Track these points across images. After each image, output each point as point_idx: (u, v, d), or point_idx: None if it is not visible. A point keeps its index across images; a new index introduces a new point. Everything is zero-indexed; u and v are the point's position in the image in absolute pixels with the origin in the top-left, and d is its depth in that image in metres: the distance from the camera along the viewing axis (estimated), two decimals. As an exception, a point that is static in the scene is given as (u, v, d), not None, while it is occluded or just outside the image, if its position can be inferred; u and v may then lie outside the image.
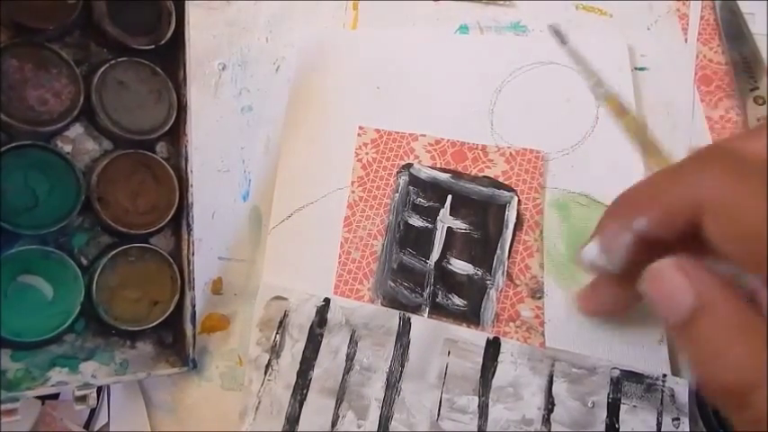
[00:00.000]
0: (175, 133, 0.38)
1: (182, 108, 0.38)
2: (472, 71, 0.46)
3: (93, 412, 0.38)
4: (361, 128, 0.44)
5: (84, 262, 0.36)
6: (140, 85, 0.37)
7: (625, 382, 0.37)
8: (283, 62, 0.48)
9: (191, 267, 0.37)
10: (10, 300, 0.33)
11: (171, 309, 0.37)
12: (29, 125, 0.34)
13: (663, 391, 0.36)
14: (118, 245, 0.36)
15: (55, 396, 0.38)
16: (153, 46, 0.37)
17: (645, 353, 0.38)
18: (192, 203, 0.38)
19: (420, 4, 0.49)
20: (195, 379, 0.40)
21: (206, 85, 0.47)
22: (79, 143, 0.36)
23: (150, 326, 0.37)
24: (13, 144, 0.33)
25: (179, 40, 0.38)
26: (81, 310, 0.35)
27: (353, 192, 0.43)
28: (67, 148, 0.36)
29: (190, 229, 0.37)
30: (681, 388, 0.36)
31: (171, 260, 0.38)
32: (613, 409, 0.36)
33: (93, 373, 0.35)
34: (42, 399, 0.38)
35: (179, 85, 0.38)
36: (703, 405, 0.36)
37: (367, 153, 0.44)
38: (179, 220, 0.38)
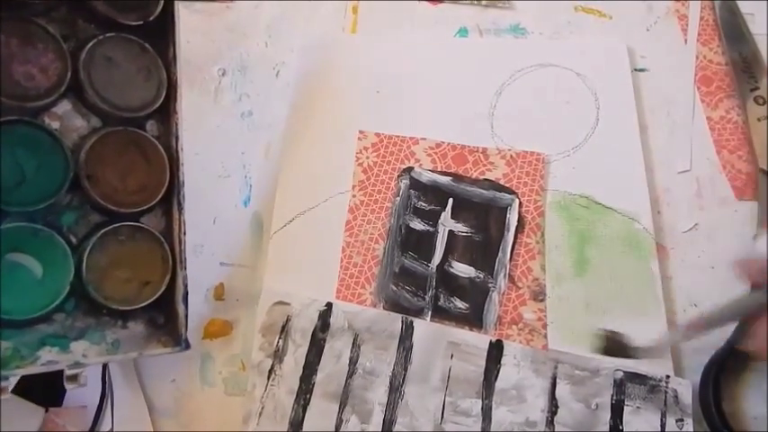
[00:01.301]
0: (165, 111, 0.38)
1: (171, 86, 0.37)
2: (472, 74, 0.46)
3: (96, 417, 0.38)
4: (361, 132, 0.44)
5: (74, 240, 0.36)
6: (129, 62, 0.37)
7: (628, 384, 0.37)
8: (283, 67, 0.48)
9: (182, 247, 0.37)
10: None
11: (162, 289, 0.37)
12: (15, 100, 0.33)
13: (666, 393, 0.36)
14: (107, 223, 0.36)
15: (59, 402, 0.38)
16: (141, 22, 0.37)
17: (648, 354, 0.38)
18: (183, 182, 0.37)
19: (419, 8, 0.49)
20: (198, 384, 0.40)
21: (206, 90, 0.47)
22: (67, 120, 0.36)
23: (141, 306, 0.36)
24: (0, 120, 0.32)
25: (168, 16, 0.37)
26: (71, 289, 0.34)
27: (354, 196, 0.43)
28: (55, 125, 0.35)
29: (181, 208, 0.37)
30: (684, 389, 0.36)
31: (162, 239, 0.37)
32: (617, 411, 0.36)
33: (84, 352, 0.34)
34: (46, 405, 0.38)
35: (169, 63, 0.37)
36: (707, 405, 0.36)
37: (367, 157, 0.44)
38: (170, 199, 0.38)
